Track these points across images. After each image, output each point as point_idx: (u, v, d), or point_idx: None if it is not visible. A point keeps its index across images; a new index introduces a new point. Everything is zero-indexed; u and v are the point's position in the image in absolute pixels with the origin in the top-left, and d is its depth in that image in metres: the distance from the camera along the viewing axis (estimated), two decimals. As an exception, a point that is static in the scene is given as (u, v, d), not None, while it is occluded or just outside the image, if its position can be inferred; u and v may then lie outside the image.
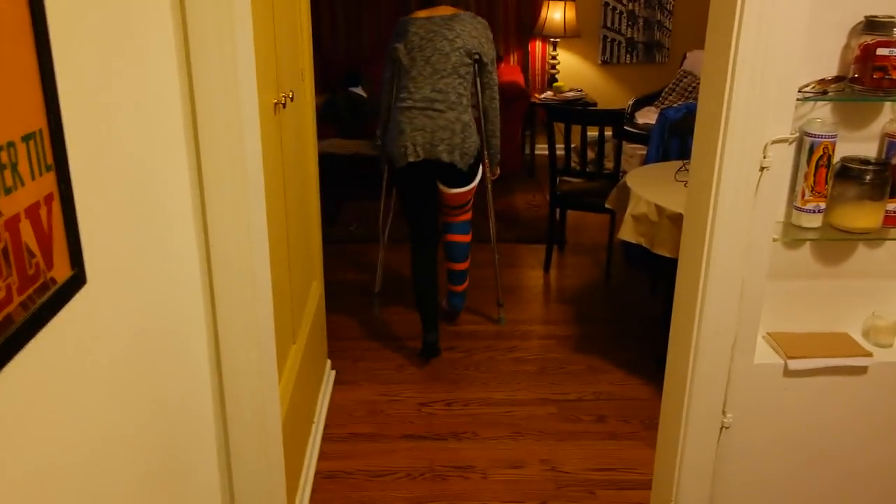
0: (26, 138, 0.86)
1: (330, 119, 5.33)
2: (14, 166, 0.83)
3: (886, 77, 1.65)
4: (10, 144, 0.82)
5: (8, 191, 0.82)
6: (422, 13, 3.11)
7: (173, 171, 1.36)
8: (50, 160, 0.91)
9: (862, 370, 1.87)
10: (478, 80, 3.13)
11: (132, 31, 1.18)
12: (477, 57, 3.07)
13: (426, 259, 3.25)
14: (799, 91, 1.69)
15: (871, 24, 1.67)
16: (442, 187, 3.20)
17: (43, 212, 0.89)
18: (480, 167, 3.24)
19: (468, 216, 3.37)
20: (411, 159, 3.04)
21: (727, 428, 1.89)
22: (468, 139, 3.07)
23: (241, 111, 1.45)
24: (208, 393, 1.58)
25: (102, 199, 1.07)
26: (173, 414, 1.37)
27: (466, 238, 3.40)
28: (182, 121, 1.40)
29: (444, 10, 3.10)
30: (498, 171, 3.43)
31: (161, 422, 1.30)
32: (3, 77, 0.81)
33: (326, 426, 2.81)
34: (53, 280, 0.91)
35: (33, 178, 0.87)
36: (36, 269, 0.87)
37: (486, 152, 3.27)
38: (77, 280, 0.97)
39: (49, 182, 0.91)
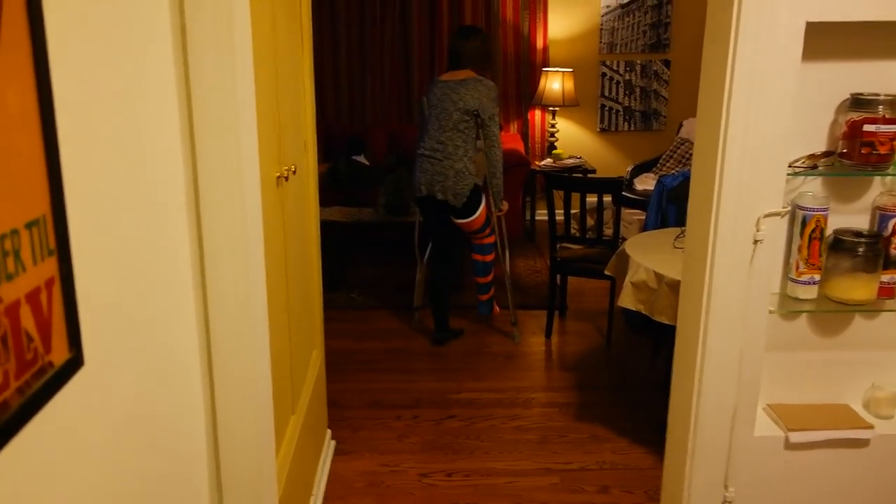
0: (29, 225, 0.88)
1: (332, 187, 5.40)
2: (17, 253, 0.85)
3: (874, 152, 1.69)
4: (14, 232, 0.85)
5: (9, 277, 0.84)
6: (445, 76, 3.85)
7: (175, 250, 1.39)
8: (52, 245, 0.93)
9: (864, 443, 1.85)
10: (480, 132, 3.80)
11: (137, 113, 1.22)
12: (476, 113, 3.72)
13: (440, 270, 4.04)
14: (789, 166, 1.73)
15: (858, 102, 1.71)
16: (451, 217, 3.92)
17: (43, 296, 0.91)
18: (483, 202, 3.90)
19: (488, 240, 4.06)
20: (417, 194, 3.92)
21: (730, 503, 1.87)
22: (460, 183, 3.78)
23: (243, 189, 1.49)
24: (204, 470, 1.57)
25: (103, 280, 1.09)
26: (169, 492, 1.35)
27: (486, 258, 4.08)
28: (185, 200, 1.43)
29: (461, 75, 3.79)
30: (505, 207, 4.03)
31: (156, 501, 1.29)
32: (10, 166, 0.84)
33: (325, 498, 2.76)
34: (51, 364, 0.92)
35: (35, 263, 0.89)
36: (34, 354, 0.88)
37: (490, 190, 3.93)
38: (74, 362, 0.98)
39: (50, 266, 0.93)
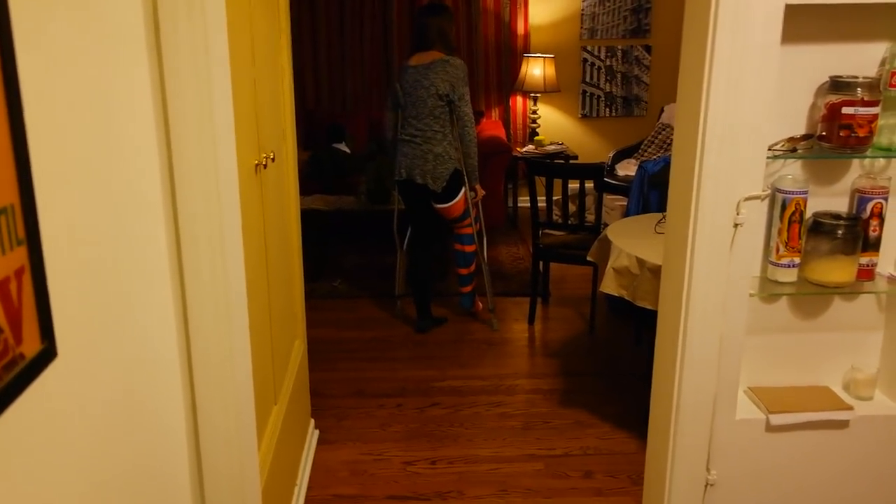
0: (-3, 214, 0.86)
1: (314, 175, 5.36)
2: (-16, 243, 0.83)
3: (853, 135, 1.69)
4: (-19, 221, 0.83)
5: (-23, 267, 0.82)
6: (413, 60, 3.82)
7: (151, 239, 1.36)
8: (21, 234, 0.91)
9: (844, 424, 1.87)
10: (453, 114, 3.82)
11: (110, 101, 1.19)
12: (448, 98, 3.74)
13: (420, 257, 4.07)
14: (769, 149, 1.73)
15: (836, 84, 1.71)
16: (432, 202, 3.91)
17: (13, 286, 0.89)
18: (464, 188, 3.89)
19: (468, 230, 4.05)
20: (397, 178, 3.95)
21: (712, 485, 1.88)
22: (439, 167, 3.79)
23: (220, 176, 1.46)
24: (185, 462, 1.56)
25: (76, 270, 1.07)
26: (148, 485, 1.34)
27: (468, 248, 4.09)
28: (160, 187, 1.41)
29: (428, 57, 3.76)
30: (479, 192, 4.01)
31: (135, 494, 1.28)
32: (-25, 155, 0.82)
33: (309, 488, 2.75)
34: (22, 355, 0.90)
35: (3, 252, 0.87)
36: (4, 346, 0.86)
37: (465, 170, 3.90)
38: (47, 354, 0.96)
39: (20, 256, 0.91)
